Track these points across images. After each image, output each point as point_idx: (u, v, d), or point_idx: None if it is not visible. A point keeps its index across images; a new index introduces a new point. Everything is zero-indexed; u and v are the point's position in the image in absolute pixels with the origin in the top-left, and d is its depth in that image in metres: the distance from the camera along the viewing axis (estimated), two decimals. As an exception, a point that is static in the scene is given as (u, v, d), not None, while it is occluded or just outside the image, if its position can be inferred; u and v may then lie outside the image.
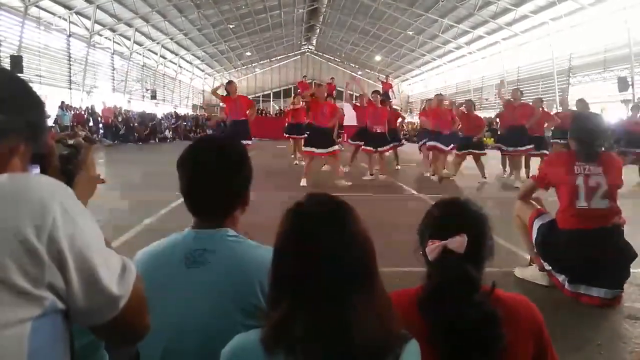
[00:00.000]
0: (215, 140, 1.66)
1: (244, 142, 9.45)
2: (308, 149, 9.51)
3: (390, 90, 20.59)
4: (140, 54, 31.73)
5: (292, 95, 27.17)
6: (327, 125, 9.62)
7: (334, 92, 20.61)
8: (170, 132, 27.84)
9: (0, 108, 0.95)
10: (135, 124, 25.17)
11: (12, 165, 0.97)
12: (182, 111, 36.66)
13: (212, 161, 1.47)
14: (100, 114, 23.18)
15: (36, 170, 1.18)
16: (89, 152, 1.50)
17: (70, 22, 23.08)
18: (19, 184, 0.86)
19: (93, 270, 0.88)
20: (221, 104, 19.40)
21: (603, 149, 3.60)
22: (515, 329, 1.33)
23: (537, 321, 1.41)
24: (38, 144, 1.06)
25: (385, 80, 21.04)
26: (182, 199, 1.50)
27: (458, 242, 1.35)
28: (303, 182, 9.07)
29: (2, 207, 0.82)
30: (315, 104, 9.71)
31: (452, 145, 10.12)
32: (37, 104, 1.06)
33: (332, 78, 21.38)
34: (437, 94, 11.50)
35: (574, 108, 10.42)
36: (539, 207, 3.73)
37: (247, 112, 10.46)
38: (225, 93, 10.90)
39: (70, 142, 1.45)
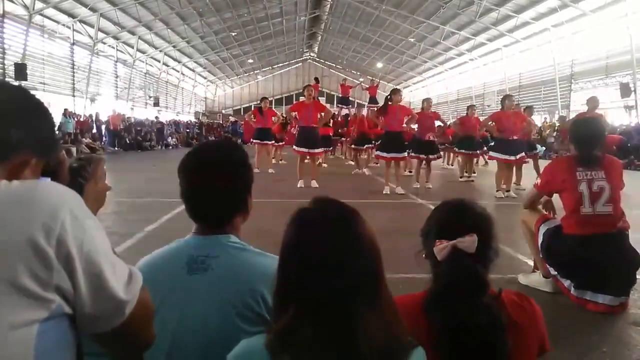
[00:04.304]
0: (216, 145, 1.65)
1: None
2: (302, 149, 9.62)
3: (376, 94, 20.27)
4: (143, 62, 31.84)
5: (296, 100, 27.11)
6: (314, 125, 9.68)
7: (349, 91, 20.40)
8: (173, 139, 28.01)
9: (11, 122, 0.96)
10: (139, 130, 25.29)
11: (23, 179, 0.97)
12: (184, 118, 36.77)
13: (212, 166, 1.46)
14: (109, 121, 23.27)
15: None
16: (100, 165, 1.50)
17: (74, 30, 23.19)
18: (30, 189, 0.88)
19: (100, 275, 0.90)
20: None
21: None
22: (520, 334, 1.32)
23: (540, 325, 1.40)
24: (49, 158, 1.07)
25: (372, 85, 20.50)
26: (183, 206, 1.48)
27: (468, 242, 1.33)
28: (300, 184, 9.41)
29: (13, 211, 0.84)
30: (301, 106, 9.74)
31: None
32: (47, 118, 1.06)
33: (345, 79, 21.00)
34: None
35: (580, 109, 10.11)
36: (545, 212, 3.72)
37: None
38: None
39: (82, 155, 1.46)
